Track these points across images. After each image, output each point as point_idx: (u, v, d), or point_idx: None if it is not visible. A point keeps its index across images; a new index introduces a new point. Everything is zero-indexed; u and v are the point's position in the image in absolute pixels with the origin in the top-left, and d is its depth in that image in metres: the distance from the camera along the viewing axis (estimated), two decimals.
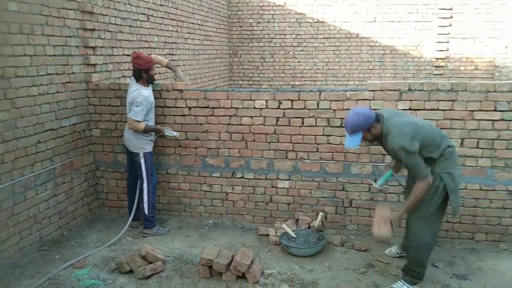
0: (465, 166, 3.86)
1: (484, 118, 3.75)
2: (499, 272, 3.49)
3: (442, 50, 9.05)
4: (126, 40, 5.15)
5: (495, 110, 3.71)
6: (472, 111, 3.75)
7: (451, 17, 8.88)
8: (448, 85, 3.76)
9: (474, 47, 8.99)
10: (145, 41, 5.61)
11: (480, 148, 3.81)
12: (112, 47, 4.88)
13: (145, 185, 4.14)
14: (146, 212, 4.19)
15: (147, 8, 5.65)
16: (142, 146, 4.11)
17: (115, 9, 4.89)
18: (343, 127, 3.85)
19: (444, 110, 3.79)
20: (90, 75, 4.51)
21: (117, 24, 4.95)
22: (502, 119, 3.72)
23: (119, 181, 4.68)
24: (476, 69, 9.08)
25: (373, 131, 3.01)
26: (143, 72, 4.01)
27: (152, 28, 5.82)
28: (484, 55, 8.99)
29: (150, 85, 4.17)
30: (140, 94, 3.94)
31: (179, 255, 3.82)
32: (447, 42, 9.02)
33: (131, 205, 4.30)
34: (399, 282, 3.26)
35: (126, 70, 5.15)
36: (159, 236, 4.19)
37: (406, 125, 2.91)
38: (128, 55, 5.13)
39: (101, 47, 4.66)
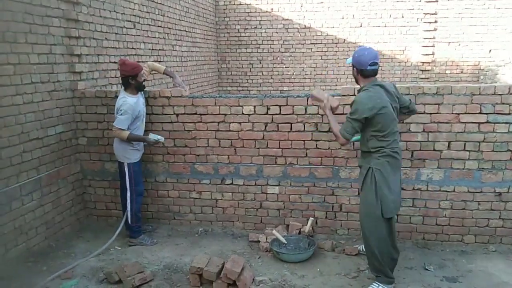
0: (452, 169, 3.89)
1: (470, 121, 3.79)
2: (488, 274, 3.52)
3: (427, 54, 9.17)
4: (112, 48, 5.11)
5: (480, 113, 3.76)
6: (458, 114, 3.79)
7: (435, 22, 9.02)
8: (433, 88, 3.80)
9: (459, 51, 9.14)
10: (132, 48, 5.58)
11: (467, 150, 3.85)
12: (98, 55, 4.84)
13: (128, 194, 4.09)
14: (129, 221, 4.14)
15: (133, 15, 5.63)
16: (127, 156, 4.06)
17: (101, 16, 4.86)
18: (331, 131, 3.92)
19: (430, 113, 3.83)
20: (76, 83, 4.46)
21: (103, 32, 4.92)
22: (487, 122, 3.76)
23: (107, 189, 4.62)
24: (461, 72, 9.23)
25: (353, 72, 3.28)
26: (130, 78, 3.95)
27: (139, 35, 5.79)
28: (469, 59, 9.14)
29: (140, 93, 4.12)
30: (125, 103, 3.90)
31: (168, 264, 3.77)
32: (433, 46, 9.15)
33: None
34: (374, 283, 3.31)
35: (112, 77, 5.11)
36: (148, 246, 4.14)
37: (372, 97, 3.08)
38: (114, 62, 5.09)
39: (87, 54, 4.62)
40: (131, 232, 4.18)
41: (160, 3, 6.52)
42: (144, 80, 4.11)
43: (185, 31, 7.65)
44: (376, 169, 3.14)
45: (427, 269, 3.60)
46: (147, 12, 6.03)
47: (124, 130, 3.91)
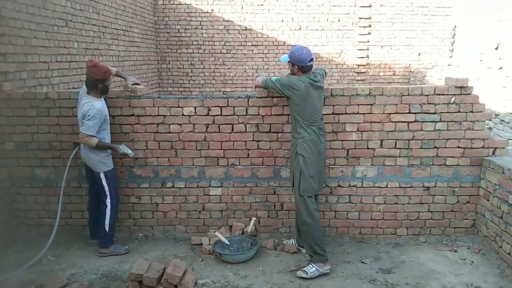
0: (385, 166, 4.10)
1: (400, 120, 4.01)
2: (419, 263, 3.75)
3: (362, 57, 9.61)
4: (42, 47, 4.81)
5: (409, 112, 3.99)
6: (389, 113, 4.00)
7: (370, 26, 9.48)
8: (366, 89, 3.98)
9: (392, 54, 9.67)
10: (64, 47, 5.28)
11: (398, 148, 4.07)
12: (26, 54, 4.52)
13: (108, 200, 3.90)
14: (107, 229, 3.92)
15: (65, 12, 5.34)
16: (104, 161, 3.87)
17: (28, 13, 4.55)
18: (272, 131, 4.06)
19: (364, 113, 4.00)
20: (1, 83, 4.14)
21: (31, 29, 4.60)
22: (416, 121, 4.01)
23: (38, 197, 4.34)
24: (394, 74, 9.78)
25: (293, 69, 3.63)
26: (98, 82, 3.75)
27: (72, 34, 5.50)
28: (400, 62, 9.70)
29: (103, 96, 3.92)
30: (93, 107, 3.68)
31: (106, 272, 3.62)
32: (367, 49, 9.61)
33: (92, 222, 4.07)
34: (309, 265, 3.57)
35: (42, 78, 4.80)
36: (122, 254, 3.96)
37: (300, 83, 3.48)
38: (44, 62, 4.81)
39: (13, 53, 4.30)
40: (105, 241, 3.95)
41: (95, 1, 6.25)
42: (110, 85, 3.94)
43: (122, 30, 7.39)
44: (299, 154, 3.52)
45: (363, 262, 3.77)
46: (80, 9, 5.75)
47: (93, 136, 3.69)
